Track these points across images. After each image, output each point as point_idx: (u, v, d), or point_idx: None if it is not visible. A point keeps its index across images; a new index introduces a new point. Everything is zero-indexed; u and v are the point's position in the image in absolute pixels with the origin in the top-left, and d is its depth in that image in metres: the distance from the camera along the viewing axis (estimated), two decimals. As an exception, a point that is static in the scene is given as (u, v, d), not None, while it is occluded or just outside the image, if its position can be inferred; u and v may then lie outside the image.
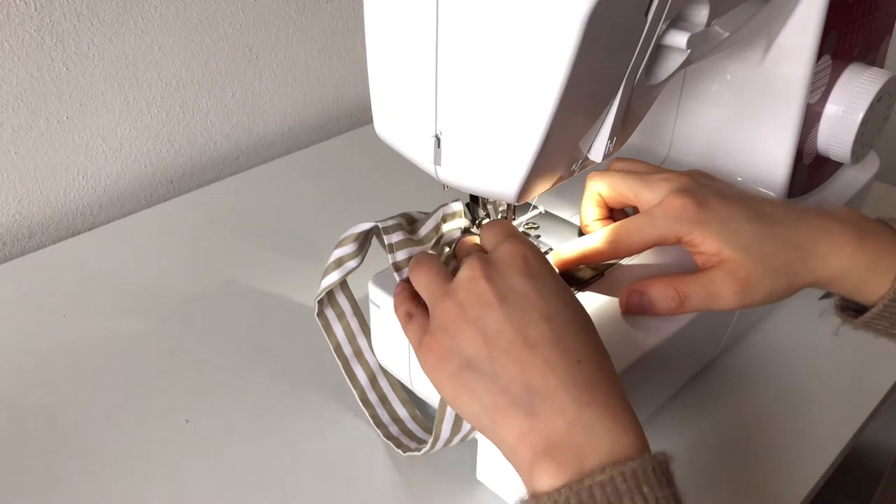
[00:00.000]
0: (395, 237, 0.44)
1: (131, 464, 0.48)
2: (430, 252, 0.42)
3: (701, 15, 0.38)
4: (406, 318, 0.41)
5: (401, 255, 0.43)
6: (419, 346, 0.38)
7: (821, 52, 0.52)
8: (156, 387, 0.53)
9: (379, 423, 0.50)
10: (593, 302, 0.47)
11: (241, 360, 0.55)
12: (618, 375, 0.35)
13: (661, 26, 0.36)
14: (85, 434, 0.50)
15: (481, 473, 0.47)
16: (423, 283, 0.40)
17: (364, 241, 0.47)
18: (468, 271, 0.37)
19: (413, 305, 0.41)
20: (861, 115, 0.54)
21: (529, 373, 0.34)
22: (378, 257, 0.67)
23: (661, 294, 0.43)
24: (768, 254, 0.41)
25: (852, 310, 0.47)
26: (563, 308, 0.36)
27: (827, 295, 0.63)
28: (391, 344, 0.48)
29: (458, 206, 0.46)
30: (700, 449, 0.50)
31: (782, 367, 0.56)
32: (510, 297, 0.36)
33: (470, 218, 0.48)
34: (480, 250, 0.41)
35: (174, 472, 0.47)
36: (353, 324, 0.51)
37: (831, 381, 0.55)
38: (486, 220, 0.49)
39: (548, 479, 0.32)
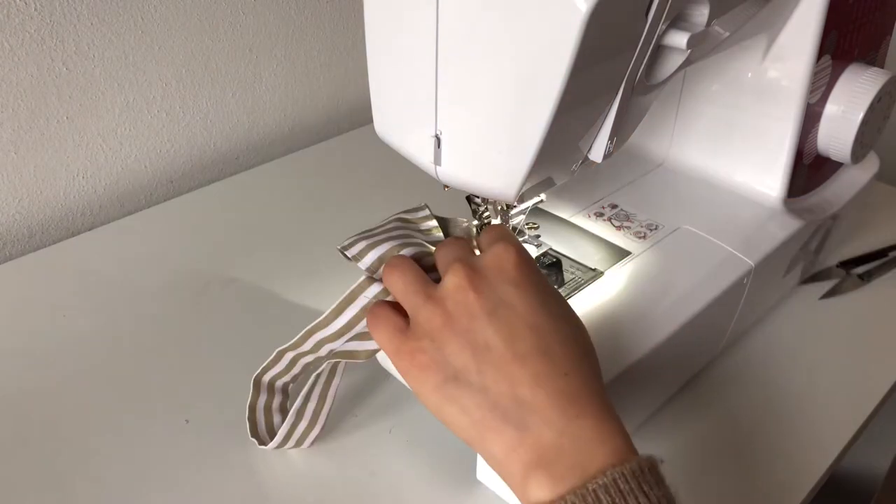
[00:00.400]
0: (357, 248, 0.42)
1: (131, 464, 0.48)
2: (402, 253, 0.41)
3: (701, 15, 0.38)
4: (375, 319, 0.39)
5: (370, 259, 0.42)
6: (397, 353, 0.37)
7: (821, 52, 0.52)
8: (156, 387, 0.53)
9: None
10: (592, 305, 0.47)
11: (241, 360, 0.55)
12: (604, 384, 0.36)
13: (661, 26, 0.36)
14: (85, 434, 0.50)
15: (481, 473, 0.47)
16: (399, 286, 0.39)
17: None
18: (455, 279, 0.36)
19: (383, 307, 0.40)
20: (861, 116, 0.54)
21: (518, 387, 0.34)
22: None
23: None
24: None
25: None
26: (550, 319, 0.35)
27: (827, 295, 0.63)
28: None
29: (421, 208, 0.45)
30: (700, 449, 0.50)
31: (782, 367, 0.56)
32: (499, 310, 0.35)
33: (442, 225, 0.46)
34: (465, 250, 0.40)
35: (174, 472, 0.47)
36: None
37: (831, 382, 0.55)
38: (487, 214, 0.49)
39: (542, 491, 0.32)
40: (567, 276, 0.50)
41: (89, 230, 0.72)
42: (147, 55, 0.72)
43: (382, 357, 0.51)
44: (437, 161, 0.40)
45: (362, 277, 0.43)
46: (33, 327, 0.59)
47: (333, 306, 0.43)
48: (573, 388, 0.34)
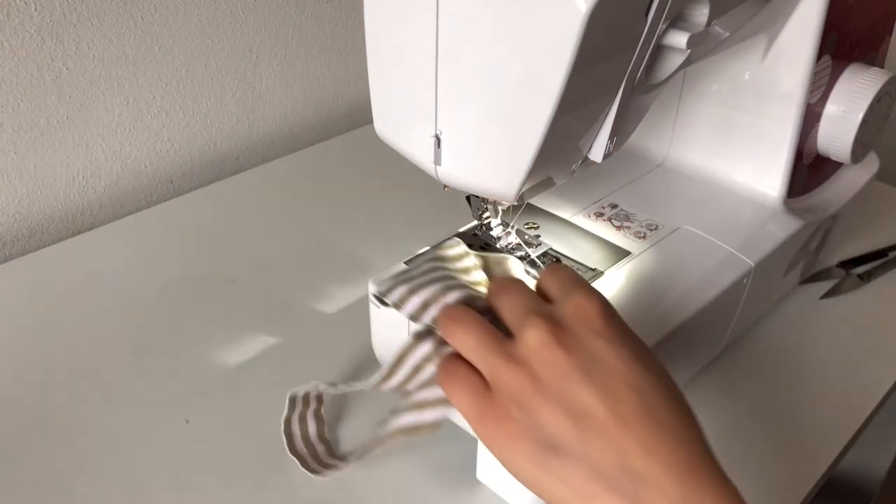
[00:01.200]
0: (397, 293, 0.39)
1: (131, 464, 0.48)
2: (450, 298, 0.37)
3: (701, 15, 0.38)
4: (449, 379, 0.35)
5: (413, 305, 0.38)
6: (481, 419, 0.34)
7: (821, 52, 0.52)
8: (156, 387, 0.53)
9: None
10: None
11: (241, 361, 0.55)
12: (710, 445, 0.33)
13: (661, 26, 0.36)
14: (85, 434, 0.50)
15: (481, 473, 0.47)
16: (470, 344, 0.35)
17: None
18: (537, 335, 0.33)
19: (457, 364, 0.36)
20: (861, 116, 0.54)
21: (627, 455, 0.31)
22: (382, 258, 0.67)
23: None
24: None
25: None
26: (649, 376, 0.32)
27: (827, 295, 0.63)
28: (392, 344, 0.48)
29: (456, 244, 0.43)
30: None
31: (782, 367, 0.56)
32: (592, 368, 0.32)
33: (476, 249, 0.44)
34: (532, 297, 0.36)
35: (174, 472, 0.47)
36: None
37: (831, 382, 0.55)
38: (487, 214, 0.49)
39: None
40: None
41: (89, 230, 0.72)
42: (147, 55, 0.72)
43: (382, 356, 0.51)
44: (437, 161, 0.40)
45: (408, 337, 0.39)
46: (33, 327, 0.59)
47: (382, 373, 0.39)
48: (686, 454, 0.31)
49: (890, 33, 0.60)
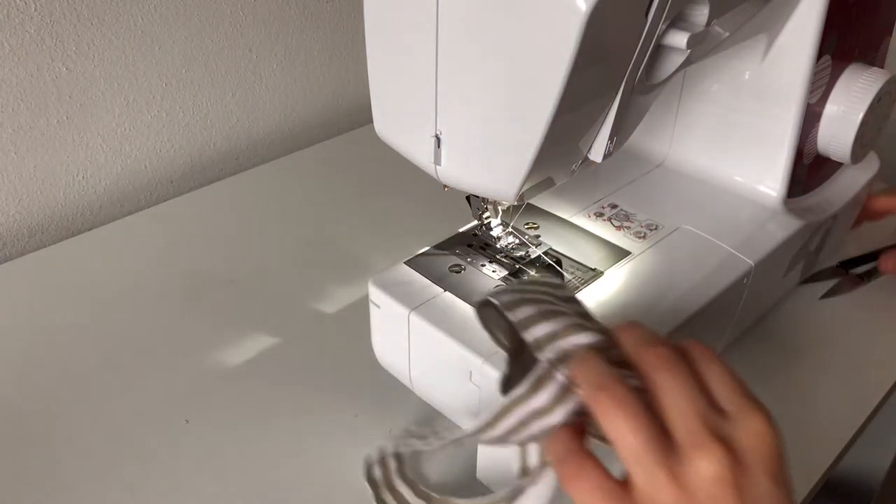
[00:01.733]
0: (523, 312, 0.34)
1: (131, 464, 0.48)
2: (581, 339, 0.33)
3: (701, 15, 0.38)
4: (576, 478, 0.32)
5: (540, 332, 0.33)
6: None
7: (821, 52, 0.52)
8: (156, 387, 0.53)
9: None
10: (592, 305, 0.47)
11: (241, 361, 0.55)
12: None
13: (661, 26, 0.36)
14: (85, 434, 0.50)
15: (481, 473, 0.47)
16: (632, 442, 0.31)
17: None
18: (714, 469, 0.30)
19: (590, 464, 0.32)
20: (861, 116, 0.54)
21: None
22: (382, 258, 0.67)
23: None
24: None
25: None
26: None
27: (827, 294, 0.63)
28: (392, 344, 0.48)
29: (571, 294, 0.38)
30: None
31: (782, 367, 0.56)
32: None
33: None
34: (700, 397, 0.32)
35: (174, 472, 0.47)
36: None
37: (831, 382, 0.55)
38: (487, 214, 0.49)
39: None
40: (567, 276, 0.50)
41: (89, 230, 0.72)
42: (147, 55, 0.72)
43: (382, 354, 0.51)
44: (437, 161, 0.40)
45: (523, 386, 0.32)
46: (33, 327, 0.59)
47: (484, 421, 0.34)
48: None
49: (890, 33, 0.60)
